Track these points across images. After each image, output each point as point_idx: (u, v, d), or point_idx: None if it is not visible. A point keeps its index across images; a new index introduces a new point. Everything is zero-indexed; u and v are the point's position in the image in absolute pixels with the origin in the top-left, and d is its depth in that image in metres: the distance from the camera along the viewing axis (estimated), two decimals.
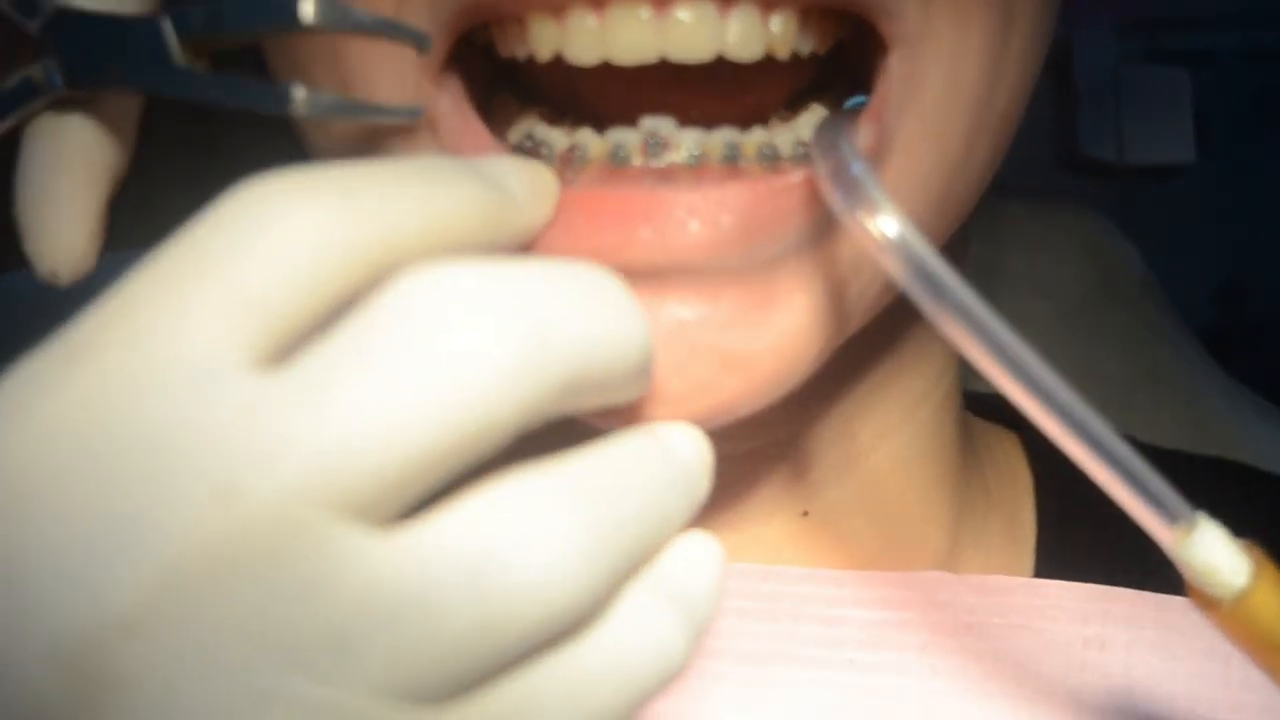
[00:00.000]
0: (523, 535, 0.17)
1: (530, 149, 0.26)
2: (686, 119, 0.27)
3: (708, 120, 0.27)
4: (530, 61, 0.26)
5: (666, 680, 0.19)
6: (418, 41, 0.25)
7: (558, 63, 0.26)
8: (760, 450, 0.30)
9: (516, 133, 0.27)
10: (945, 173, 0.26)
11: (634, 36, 0.24)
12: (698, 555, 0.20)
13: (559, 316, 0.18)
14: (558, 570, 0.17)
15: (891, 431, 0.32)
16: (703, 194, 0.24)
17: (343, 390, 0.17)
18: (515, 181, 0.22)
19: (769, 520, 0.31)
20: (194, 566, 0.16)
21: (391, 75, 0.25)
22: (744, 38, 0.24)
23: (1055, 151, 0.65)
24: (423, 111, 0.25)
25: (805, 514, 0.31)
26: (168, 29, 0.24)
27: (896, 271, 0.22)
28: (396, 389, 0.17)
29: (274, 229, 0.17)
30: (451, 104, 0.25)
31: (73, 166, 0.25)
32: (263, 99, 0.24)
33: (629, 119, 0.27)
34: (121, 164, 0.26)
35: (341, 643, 0.16)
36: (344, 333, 0.17)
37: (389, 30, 0.24)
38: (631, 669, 0.19)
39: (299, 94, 0.23)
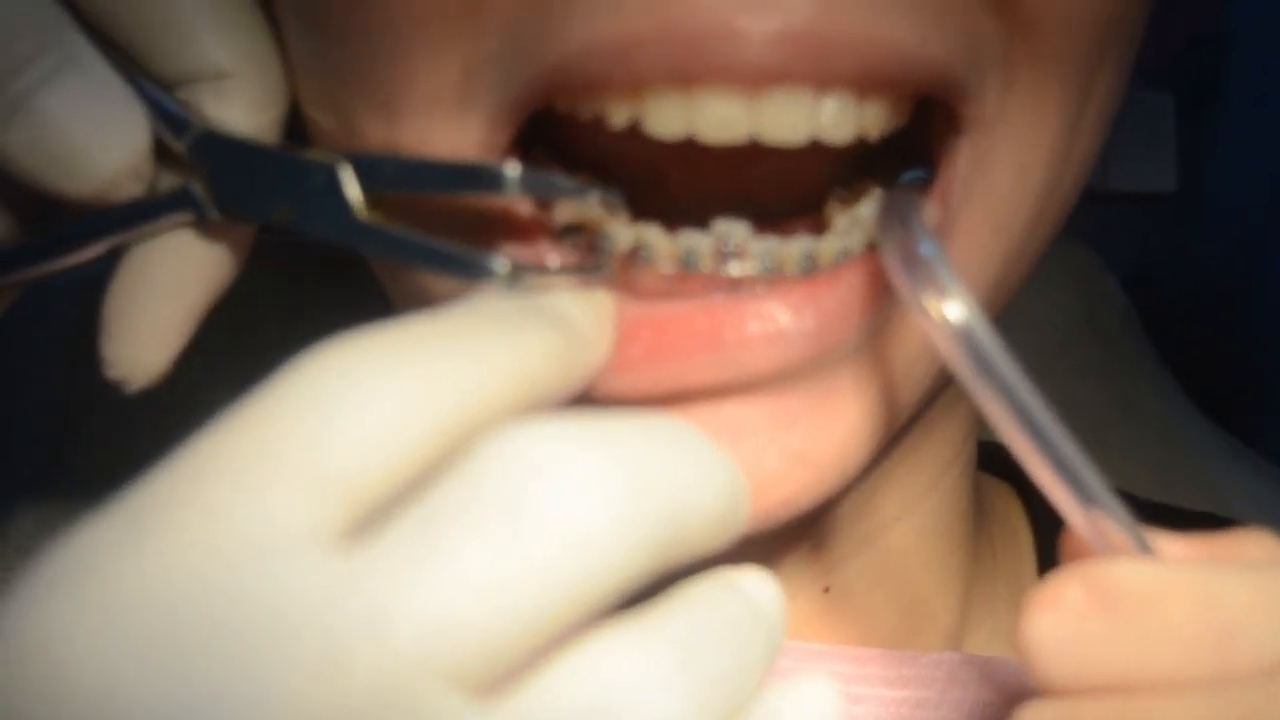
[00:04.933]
0: (626, 695, 0.18)
1: (587, 244, 0.26)
2: (735, 195, 0.28)
3: (757, 197, 0.28)
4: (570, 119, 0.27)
5: None
6: (607, 206, 0.25)
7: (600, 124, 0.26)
8: (784, 530, 0.32)
9: (564, 211, 0.27)
10: (1005, 260, 0.28)
11: (725, 114, 0.24)
12: (812, 698, 0.21)
13: (653, 475, 0.19)
14: None
15: (914, 505, 0.34)
16: (768, 314, 0.25)
17: (444, 558, 0.17)
18: (580, 317, 0.23)
19: (792, 599, 0.33)
20: None
21: (448, 153, 0.25)
22: (838, 120, 0.25)
23: None
24: (611, 307, 0.25)
25: (826, 590, 0.33)
26: (348, 177, 0.24)
27: (957, 360, 0.23)
28: (499, 555, 0.18)
29: (352, 403, 0.18)
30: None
31: (177, 291, 0.26)
32: (459, 266, 0.23)
33: (674, 186, 0.28)
34: (224, 288, 0.26)
35: None
36: (438, 500, 0.18)
37: (583, 193, 0.25)
38: None
39: (501, 268, 0.23)
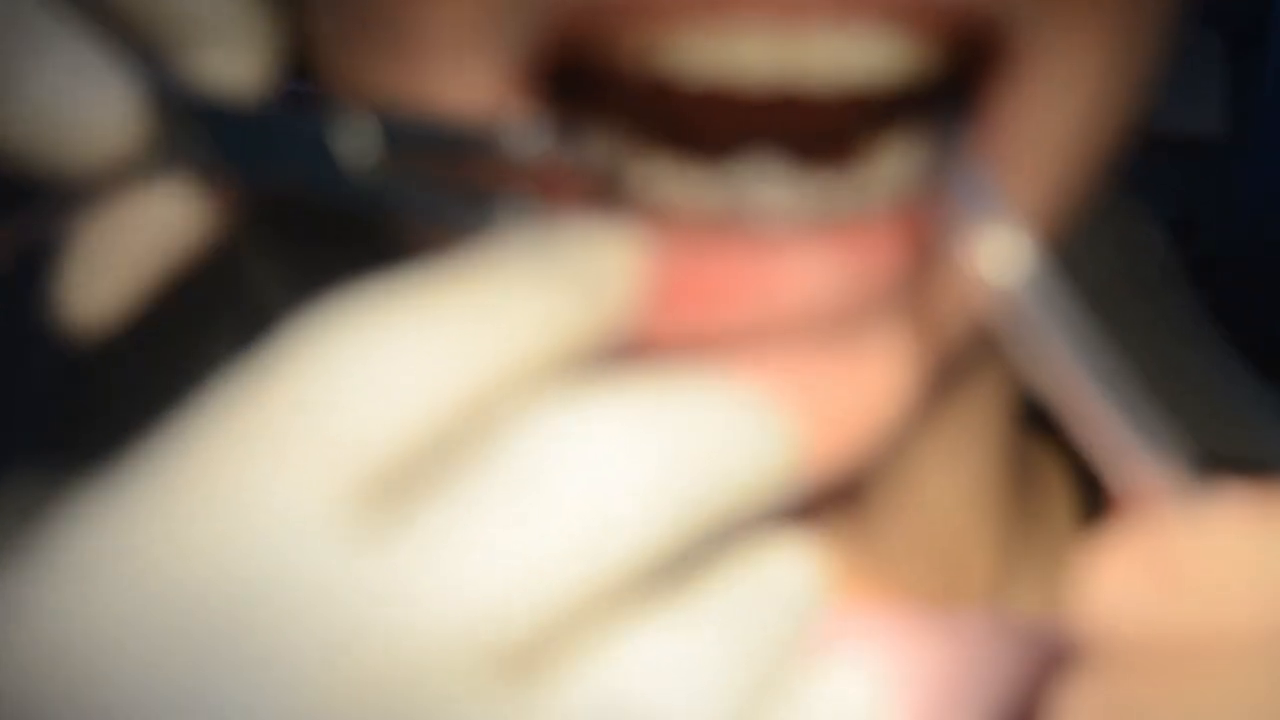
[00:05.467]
0: (658, 672, 0.18)
1: (609, 190, 0.25)
2: (756, 126, 0.27)
3: (788, 143, 0.27)
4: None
5: None
6: (618, 168, 0.25)
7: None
8: (819, 488, 0.31)
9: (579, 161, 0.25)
10: (1052, 203, 0.27)
11: (754, 52, 0.23)
12: (849, 673, 0.21)
13: (686, 447, 0.19)
14: (695, 703, 0.18)
15: (952, 462, 0.33)
16: (801, 264, 0.24)
17: (467, 538, 0.17)
18: (603, 267, 0.22)
19: (827, 557, 0.32)
20: None
21: (468, 93, 0.24)
22: (873, 59, 0.24)
23: None
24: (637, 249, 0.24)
25: (862, 548, 0.32)
26: (344, 134, 0.24)
27: (1011, 303, 0.23)
28: (524, 535, 0.17)
29: (366, 370, 0.17)
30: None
31: (146, 245, 0.25)
32: (470, 217, 0.23)
33: (701, 132, 0.27)
34: (202, 248, 0.26)
35: None
36: (459, 477, 0.17)
37: (591, 156, 0.24)
38: None
39: (514, 216, 0.23)
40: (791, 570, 0.22)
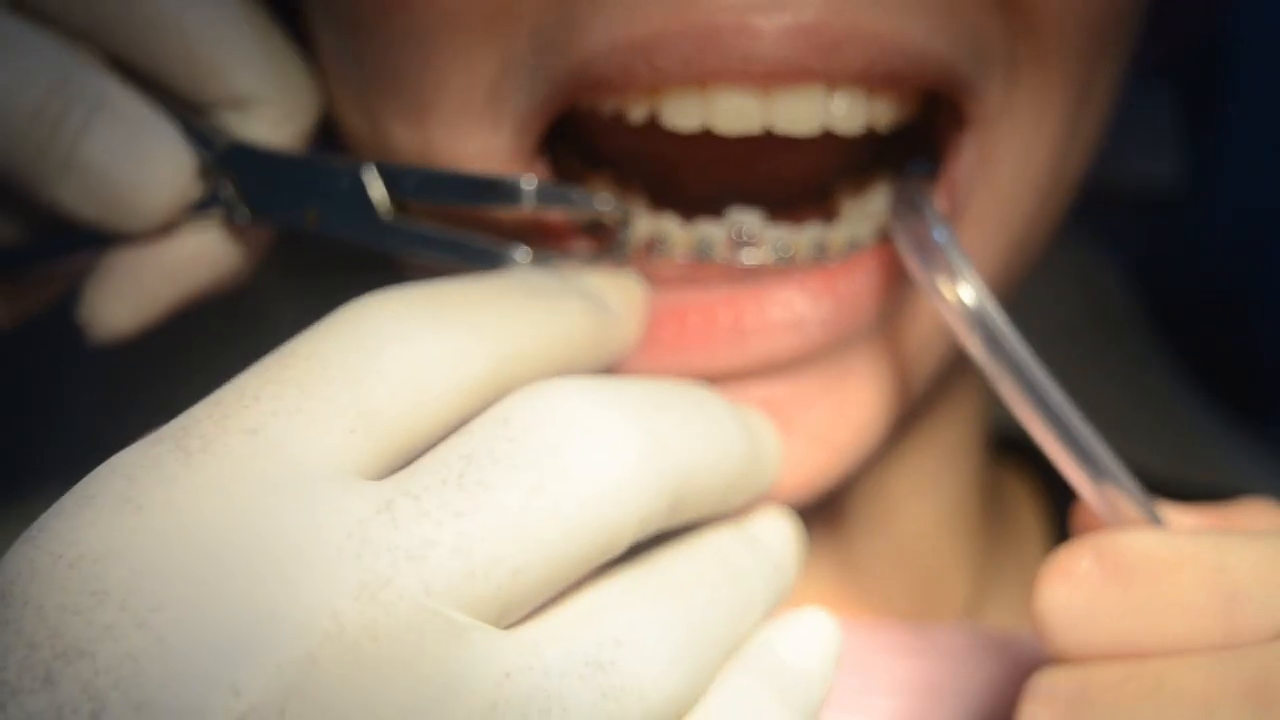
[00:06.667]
0: (630, 637, 0.20)
1: (606, 235, 0.28)
2: (749, 186, 0.29)
3: (770, 188, 0.29)
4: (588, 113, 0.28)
5: None
6: (619, 218, 0.27)
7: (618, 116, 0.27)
8: (802, 509, 0.33)
9: (580, 214, 0.28)
10: (1010, 250, 0.29)
11: (739, 106, 0.25)
12: (805, 631, 0.23)
13: (669, 433, 0.20)
14: (661, 667, 0.20)
15: (927, 484, 0.35)
16: (787, 302, 0.26)
17: (474, 498, 0.19)
18: (613, 298, 0.24)
19: (809, 576, 0.34)
20: (334, 660, 0.17)
21: (479, 155, 0.26)
22: (848, 112, 0.26)
23: None
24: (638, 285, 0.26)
25: (842, 568, 0.34)
26: (373, 179, 0.26)
27: (971, 341, 0.24)
28: (524, 499, 0.19)
29: (396, 348, 0.19)
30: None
31: (176, 275, 0.27)
32: (483, 256, 0.25)
33: (690, 178, 0.29)
34: (229, 285, 0.28)
35: None
36: (471, 445, 0.19)
37: (596, 203, 0.26)
38: None
39: (523, 257, 0.25)
40: (767, 544, 0.23)
